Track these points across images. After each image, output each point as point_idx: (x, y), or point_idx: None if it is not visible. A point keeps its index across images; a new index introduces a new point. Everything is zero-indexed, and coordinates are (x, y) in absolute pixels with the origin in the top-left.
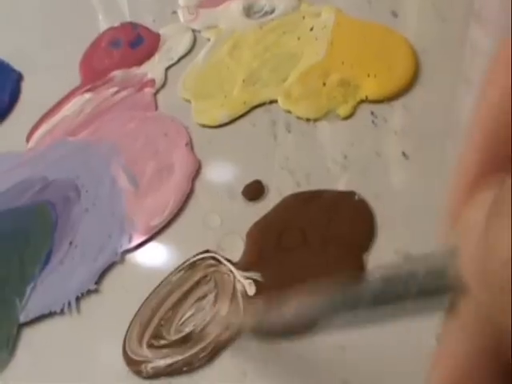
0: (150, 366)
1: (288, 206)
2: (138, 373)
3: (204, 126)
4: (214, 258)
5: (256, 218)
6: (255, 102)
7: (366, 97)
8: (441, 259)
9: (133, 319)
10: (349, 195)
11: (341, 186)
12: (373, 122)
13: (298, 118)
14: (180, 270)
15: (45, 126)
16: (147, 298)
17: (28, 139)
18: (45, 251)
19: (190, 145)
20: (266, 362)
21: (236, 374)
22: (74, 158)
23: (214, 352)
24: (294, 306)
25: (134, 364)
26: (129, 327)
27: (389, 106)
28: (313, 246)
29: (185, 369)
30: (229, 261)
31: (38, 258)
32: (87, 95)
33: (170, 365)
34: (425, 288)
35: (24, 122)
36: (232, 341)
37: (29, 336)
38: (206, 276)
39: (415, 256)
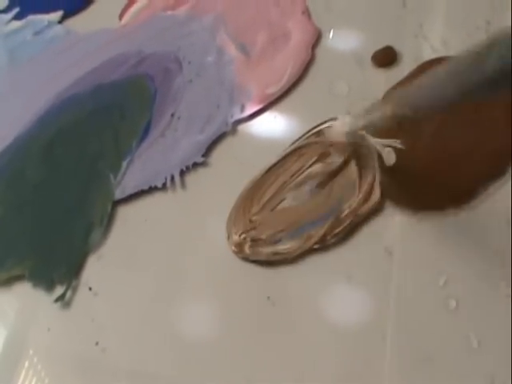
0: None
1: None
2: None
3: None
4: None
5: (389, 85)
6: None
7: None
8: None
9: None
10: None
11: None
12: None
13: None
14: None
15: (140, 2)
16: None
17: (121, 16)
18: (142, 124)
19: (306, 13)
20: (414, 239)
21: (379, 253)
22: (173, 31)
23: (351, 227)
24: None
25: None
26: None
27: None
28: (464, 113)
29: (316, 246)
30: None
31: (134, 132)
32: None
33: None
34: None
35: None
36: (371, 215)
37: (125, 213)
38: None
39: None
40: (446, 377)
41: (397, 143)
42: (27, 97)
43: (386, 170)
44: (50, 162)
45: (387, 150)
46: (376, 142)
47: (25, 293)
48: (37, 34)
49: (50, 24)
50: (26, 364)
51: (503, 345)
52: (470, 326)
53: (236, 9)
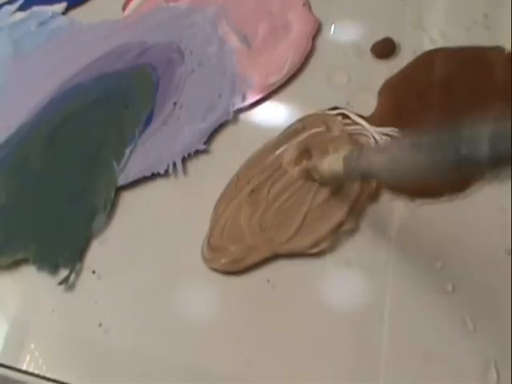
0: None
1: (428, 62)
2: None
3: None
4: (343, 115)
5: (387, 75)
6: None
7: None
8: None
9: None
10: (496, 50)
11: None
12: None
13: None
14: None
15: None
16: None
17: (124, 8)
18: (145, 113)
19: (307, 5)
20: (411, 224)
21: (377, 238)
22: (176, 22)
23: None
24: None
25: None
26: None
27: None
28: (462, 101)
29: None
30: (361, 117)
31: (137, 120)
32: None
33: None
34: None
35: None
36: (369, 201)
37: (128, 199)
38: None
39: None
40: (442, 359)
41: (394, 132)
42: (31, 86)
43: None
44: (55, 150)
45: (385, 139)
46: (372, 130)
47: (29, 276)
48: (41, 24)
49: (53, 15)
50: (31, 344)
51: (498, 328)
52: (466, 310)
53: (237, 0)
